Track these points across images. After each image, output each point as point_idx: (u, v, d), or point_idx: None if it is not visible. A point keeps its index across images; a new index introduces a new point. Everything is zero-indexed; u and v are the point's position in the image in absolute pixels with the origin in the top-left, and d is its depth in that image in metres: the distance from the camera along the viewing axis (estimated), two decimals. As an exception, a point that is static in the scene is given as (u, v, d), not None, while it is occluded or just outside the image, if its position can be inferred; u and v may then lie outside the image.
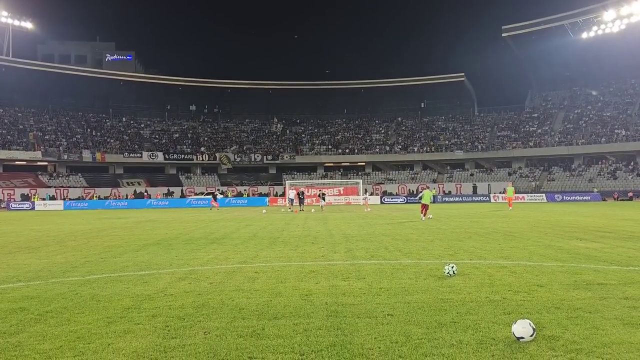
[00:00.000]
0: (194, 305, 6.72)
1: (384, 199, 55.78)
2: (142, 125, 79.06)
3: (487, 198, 54.72)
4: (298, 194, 38.26)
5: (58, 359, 4.77)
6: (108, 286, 8.13)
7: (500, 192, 54.93)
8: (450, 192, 62.62)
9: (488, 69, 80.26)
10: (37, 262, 11.09)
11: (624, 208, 34.26)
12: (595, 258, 10.36)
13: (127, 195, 61.94)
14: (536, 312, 6.09)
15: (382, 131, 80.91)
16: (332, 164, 75.70)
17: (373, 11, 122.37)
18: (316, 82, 79.89)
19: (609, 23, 62.38)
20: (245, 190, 65.68)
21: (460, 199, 56.14)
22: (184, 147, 75.27)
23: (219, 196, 49.14)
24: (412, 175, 70.59)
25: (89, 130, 73.47)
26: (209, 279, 8.66)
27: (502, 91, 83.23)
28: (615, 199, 51.51)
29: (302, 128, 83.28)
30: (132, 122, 79.19)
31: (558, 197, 53.21)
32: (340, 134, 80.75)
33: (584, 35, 65.40)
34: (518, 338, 4.98)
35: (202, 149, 75.10)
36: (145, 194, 62.29)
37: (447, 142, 74.06)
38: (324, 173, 73.58)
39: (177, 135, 78.34)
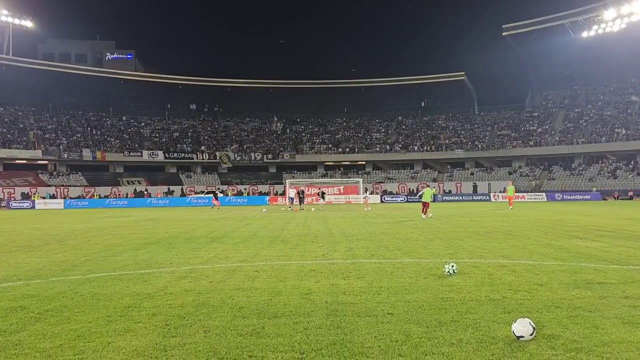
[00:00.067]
0: (194, 304, 6.73)
1: (384, 198, 55.77)
2: (143, 124, 79.06)
3: (487, 197, 54.72)
4: (298, 192, 38.26)
5: (58, 357, 4.77)
6: (108, 285, 8.13)
7: (500, 191, 54.94)
8: (450, 191, 62.61)
9: (488, 68, 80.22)
10: (37, 260, 11.10)
11: (624, 207, 34.26)
12: (596, 257, 10.36)
13: (127, 194, 61.96)
14: (536, 311, 6.09)
15: (383, 130, 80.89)
16: (332, 163, 75.67)
17: (374, 10, 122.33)
18: (316, 81, 79.84)
19: (610, 22, 62.31)
20: (245, 189, 65.70)
21: (461, 198, 56.14)
22: (184, 146, 75.26)
23: (220, 195, 49.18)
24: (413, 175, 70.58)
25: (89, 129, 73.47)
26: (209, 277, 8.66)
27: (502, 90, 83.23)
28: (615, 198, 51.51)
29: (303, 127, 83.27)
30: (132, 120, 79.18)
31: (558, 196, 53.21)
32: (340, 133, 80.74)
33: (585, 34, 65.35)
34: (518, 337, 4.98)
35: (203, 147, 75.08)
36: (146, 192, 62.33)
37: (447, 141, 74.03)
38: (324, 172, 73.58)
39: (178, 134, 78.34)
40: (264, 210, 36.42)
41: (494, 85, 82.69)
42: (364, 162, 75.36)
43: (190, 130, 79.73)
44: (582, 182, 60.90)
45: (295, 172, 72.47)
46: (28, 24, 69.23)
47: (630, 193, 52.82)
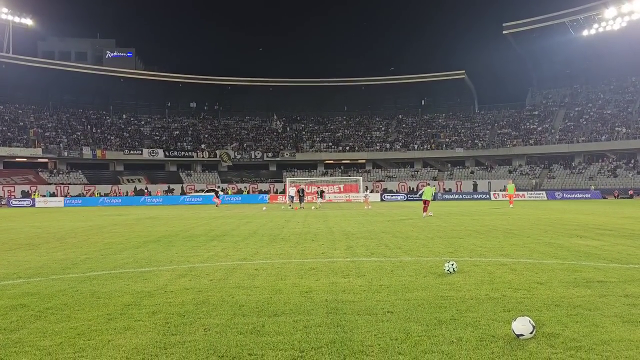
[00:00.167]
0: (194, 302, 6.73)
1: (384, 197, 55.79)
2: (143, 122, 79.04)
3: (488, 196, 54.74)
4: (298, 191, 38.26)
5: (58, 355, 4.77)
6: (108, 283, 8.14)
7: (500, 190, 54.96)
8: (450, 189, 62.61)
9: (489, 66, 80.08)
10: (38, 258, 11.11)
11: (624, 206, 34.26)
12: (595, 256, 10.36)
13: (127, 192, 62.03)
14: (536, 310, 6.09)
15: (383, 129, 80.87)
16: (332, 162, 75.66)
17: (374, 9, 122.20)
18: (317, 80, 79.78)
19: (610, 21, 62.23)
20: (245, 187, 65.76)
21: (461, 196, 56.15)
22: (185, 144, 75.25)
23: (221, 193, 49.23)
24: (413, 173, 70.56)
25: (89, 127, 73.46)
26: (209, 276, 8.66)
27: (502, 89, 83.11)
28: (615, 197, 51.52)
29: (303, 125, 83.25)
30: (132, 119, 79.16)
31: (558, 194, 53.23)
32: (340, 131, 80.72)
33: (585, 32, 65.26)
34: (518, 335, 4.98)
35: (203, 146, 75.08)
36: (146, 191, 62.41)
37: (447, 139, 74.00)
38: (325, 170, 73.56)
39: (178, 132, 78.33)
40: (264, 208, 36.46)
41: (495, 84, 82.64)
42: (364, 161, 75.36)
43: (191, 129, 79.72)
44: (582, 180, 60.89)
45: (296, 170, 72.45)
46: (28, 22, 69.20)
47: (631, 192, 52.80)
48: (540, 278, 8.04)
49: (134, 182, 66.51)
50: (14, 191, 57.72)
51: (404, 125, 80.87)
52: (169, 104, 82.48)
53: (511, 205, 34.29)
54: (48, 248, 13.10)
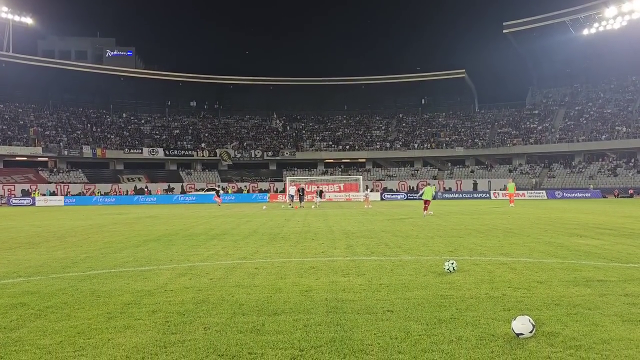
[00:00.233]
0: (194, 301, 6.73)
1: (384, 196, 55.80)
2: (143, 121, 79.03)
3: (488, 195, 54.75)
4: (298, 190, 38.27)
5: (58, 354, 4.77)
6: (108, 282, 8.14)
7: (500, 189, 54.97)
8: (450, 188, 62.61)
9: (489, 65, 79.97)
10: (38, 257, 11.11)
11: (625, 205, 34.25)
12: (595, 255, 10.36)
13: (127, 191, 62.06)
14: (536, 309, 6.09)
15: (383, 128, 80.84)
16: (332, 161, 75.67)
17: (375, 8, 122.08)
18: (317, 79, 79.77)
19: (610, 20, 62.22)
20: (245, 186, 65.76)
21: (461, 195, 56.15)
22: (185, 143, 75.26)
23: (222, 192, 49.28)
24: (413, 172, 70.55)
25: (89, 126, 73.46)
26: (209, 274, 8.67)
27: (502, 88, 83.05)
28: (615, 196, 51.52)
29: (303, 124, 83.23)
30: (132, 118, 79.15)
31: (558, 194, 53.25)
32: (340, 130, 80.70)
33: (585, 31, 65.24)
34: (517, 334, 4.98)
35: (203, 145, 75.09)
36: (146, 190, 62.44)
37: (447, 138, 73.99)
38: (325, 169, 73.56)
39: (178, 131, 78.32)
40: (264, 207, 36.48)
41: (495, 83, 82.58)
42: (364, 160, 75.35)
43: (191, 128, 79.71)
44: (582, 179, 60.88)
45: (296, 169, 72.46)
46: (28, 20, 69.21)
47: (631, 191, 52.80)
48: (540, 277, 8.04)
49: (134, 180, 66.51)
50: (14, 190, 57.73)
51: (404, 125, 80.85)
52: (169, 103, 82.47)
53: (512, 205, 34.28)
54: (48, 247, 13.11)
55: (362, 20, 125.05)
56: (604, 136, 63.98)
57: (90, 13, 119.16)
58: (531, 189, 57.92)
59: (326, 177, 66.07)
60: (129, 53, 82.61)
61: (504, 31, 70.92)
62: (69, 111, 74.90)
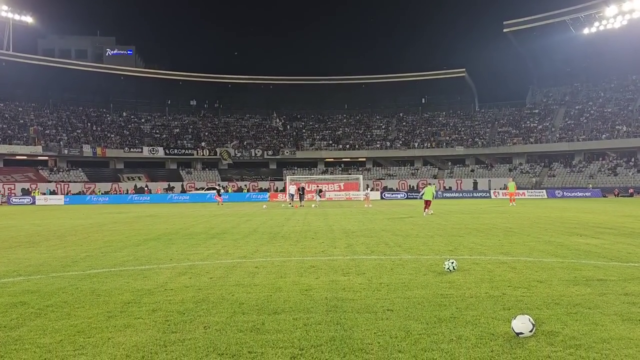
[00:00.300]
0: (194, 300, 6.73)
1: (384, 195, 55.79)
2: (143, 120, 79.04)
3: (488, 194, 54.75)
4: (298, 189, 38.27)
5: (58, 353, 4.77)
6: (108, 280, 8.14)
7: (500, 188, 54.96)
8: (450, 188, 62.62)
9: (489, 64, 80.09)
10: (38, 256, 11.11)
11: (625, 204, 34.23)
12: (595, 254, 10.36)
13: (127, 190, 62.09)
14: (536, 308, 6.09)
15: (383, 127, 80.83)
16: (332, 160, 75.67)
17: (375, 7, 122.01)
18: (317, 78, 79.75)
19: (611, 19, 62.21)
20: (245, 185, 65.75)
21: (461, 194, 56.15)
22: (185, 142, 75.27)
23: (222, 191, 49.23)
24: (413, 171, 70.56)
25: (89, 124, 73.47)
26: (209, 273, 8.67)
27: (503, 87, 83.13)
28: (615, 195, 51.53)
29: (303, 123, 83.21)
30: (132, 117, 79.15)
31: (558, 193, 53.24)
32: (340, 129, 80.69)
33: (586, 31, 65.23)
34: (517, 333, 4.98)
35: (203, 144, 75.09)
36: (146, 189, 62.45)
37: (447, 137, 73.99)
38: (325, 168, 73.56)
39: (178, 130, 78.32)
40: (264, 206, 36.49)
41: (495, 82, 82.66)
42: (364, 159, 75.35)
43: (191, 127, 79.71)
44: (582, 179, 60.88)
45: (296, 168, 72.47)
46: (28, 19, 69.20)
47: (631, 190, 52.80)
48: (540, 276, 8.04)
49: (134, 179, 66.53)
50: (14, 189, 57.76)
51: (404, 124, 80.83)
52: (169, 102, 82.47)
53: (513, 204, 34.26)
54: (48, 246, 13.11)
55: (366, 19, 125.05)
56: (604, 135, 63.98)
57: (90, 12, 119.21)
58: (531, 188, 57.93)
59: (326, 176, 66.03)
60: (129, 52, 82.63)
61: (504, 30, 70.92)
62: (69, 110, 74.89)
